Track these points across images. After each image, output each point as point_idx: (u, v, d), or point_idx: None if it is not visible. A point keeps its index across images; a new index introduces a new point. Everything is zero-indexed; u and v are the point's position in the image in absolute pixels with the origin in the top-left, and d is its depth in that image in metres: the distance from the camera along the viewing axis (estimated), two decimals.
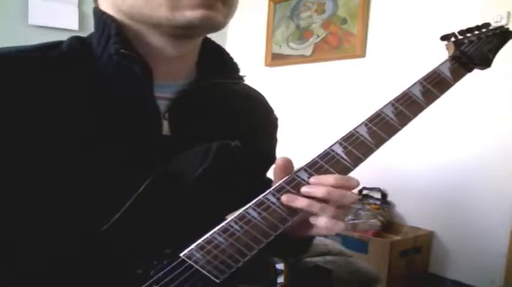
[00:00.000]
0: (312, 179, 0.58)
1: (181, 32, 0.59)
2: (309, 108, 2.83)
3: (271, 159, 0.79)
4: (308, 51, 2.88)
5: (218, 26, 0.58)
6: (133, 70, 0.57)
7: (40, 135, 0.54)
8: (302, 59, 2.91)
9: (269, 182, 0.77)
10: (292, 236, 0.65)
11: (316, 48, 2.83)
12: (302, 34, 2.92)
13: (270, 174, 0.79)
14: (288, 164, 0.60)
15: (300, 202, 0.57)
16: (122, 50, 0.56)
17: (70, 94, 0.57)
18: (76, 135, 0.56)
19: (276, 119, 0.83)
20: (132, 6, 0.57)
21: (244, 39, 3.28)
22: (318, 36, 2.82)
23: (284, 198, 0.57)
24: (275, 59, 3.10)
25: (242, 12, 3.73)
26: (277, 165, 0.61)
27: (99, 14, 0.61)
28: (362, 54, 2.58)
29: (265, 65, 3.16)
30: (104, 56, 0.59)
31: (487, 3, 2.06)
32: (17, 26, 2.69)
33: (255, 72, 3.06)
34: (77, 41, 0.62)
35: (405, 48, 2.37)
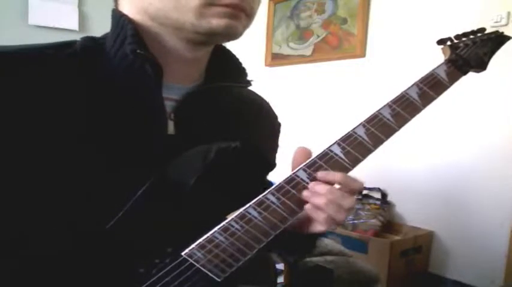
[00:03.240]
0: (319, 174, 0.60)
1: (201, 38, 0.60)
2: (308, 108, 2.84)
3: (272, 164, 0.80)
4: (308, 51, 2.88)
5: (236, 36, 0.61)
6: (144, 70, 0.58)
7: (48, 133, 0.54)
8: (302, 59, 2.92)
9: (270, 185, 0.78)
10: (297, 232, 0.66)
11: (316, 48, 2.84)
12: (302, 34, 2.92)
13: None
14: (306, 151, 0.63)
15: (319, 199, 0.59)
16: (138, 51, 0.57)
17: (80, 93, 0.58)
18: (83, 133, 0.56)
19: (279, 125, 0.84)
20: (159, 9, 0.58)
21: (244, 39, 3.27)
22: (318, 36, 2.82)
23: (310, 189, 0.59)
24: (275, 59, 3.11)
25: None
26: (296, 152, 0.63)
27: (117, 16, 0.61)
28: (362, 54, 2.58)
29: (265, 65, 3.16)
30: (118, 56, 0.60)
31: (487, 4, 2.06)
32: (17, 26, 2.69)
33: (255, 72, 3.06)
34: (90, 41, 0.63)
35: (405, 48, 2.37)
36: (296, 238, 0.67)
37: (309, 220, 0.62)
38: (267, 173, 0.79)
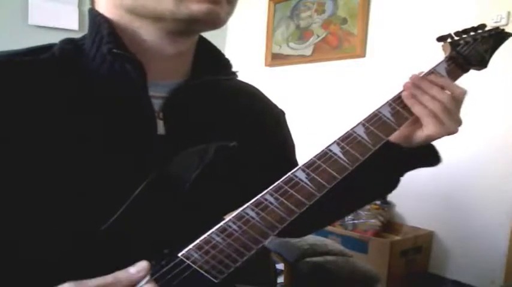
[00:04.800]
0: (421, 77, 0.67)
1: (182, 27, 0.58)
2: (308, 109, 2.83)
3: (280, 151, 0.78)
4: (308, 51, 2.88)
5: (220, 23, 0.58)
6: (126, 69, 0.57)
7: (33, 138, 0.54)
8: (302, 59, 2.91)
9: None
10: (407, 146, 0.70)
11: (316, 48, 2.83)
12: (302, 34, 2.92)
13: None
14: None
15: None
16: (114, 50, 0.56)
17: (63, 96, 0.57)
18: (70, 137, 0.56)
19: (281, 113, 0.82)
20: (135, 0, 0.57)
21: (244, 39, 3.27)
22: (318, 36, 2.82)
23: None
24: (275, 59, 3.10)
25: (242, 12, 3.73)
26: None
27: (93, 15, 0.61)
28: (362, 54, 2.58)
29: (265, 65, 3.16)
30: (98, 56, 0.59)
31: (487, 3, 2.06)
32: (17, 26, 2.69)
33: (255, 72, 3.06)
34: (69, 43, 0.63)
35: (405, 48, 2.37)
36: (401, 152, 0.71)
37: (415, 128, 0.67)
38: (278, 162, 0.75)
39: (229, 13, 0.60)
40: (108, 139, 0.57)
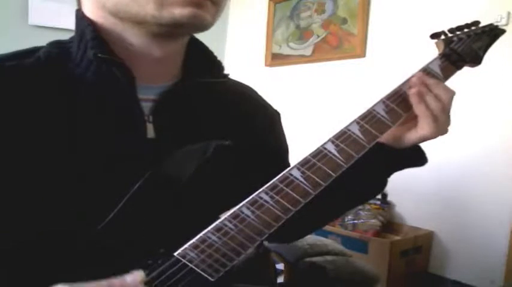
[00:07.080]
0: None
1: (167, 31, 0.58)
2: (308, 109, 2.83)
3: (273, 152, 0.78)
4: (308, 51, 2.88)
5: (205, 26, 0.58)
6: (113, 73, 0.57)
7: (23, 143, 0.54)
8: (302, 59, 2.91)
9: None
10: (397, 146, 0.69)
11: (316, 48, 2.83)
12: (302, 34, 2.92)
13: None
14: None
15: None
16: (99, 55, 0.56)
17: (49, 100, 0.57)
18: (59, 142, 0.56)
19: (276, 113, 0.81)
20: (117, 3, 0.56)
21: (244, 39, 3.27)
22: (318, 36, 2.82)
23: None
24: (275, 59, 3.10)
25: (242, 12, 3.72)
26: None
27: (79, 17, 0.61)
28: (362, 54, 2.57)
29: (265, 65, 3.15)
30: (84, 60, 0.58)
31: (487, 3, 2.05)
32: (17, 26, 2.69)
33: (255, 72, 3.06)
34: (55, 46, 0.62)
35: (405, 48, 2.36)
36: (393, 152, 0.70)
37: (407, 129, 0.67)
38: (271, 163, 0.74)
39: (215, 14, 0.59)
40: (98, 143, 0.57)
